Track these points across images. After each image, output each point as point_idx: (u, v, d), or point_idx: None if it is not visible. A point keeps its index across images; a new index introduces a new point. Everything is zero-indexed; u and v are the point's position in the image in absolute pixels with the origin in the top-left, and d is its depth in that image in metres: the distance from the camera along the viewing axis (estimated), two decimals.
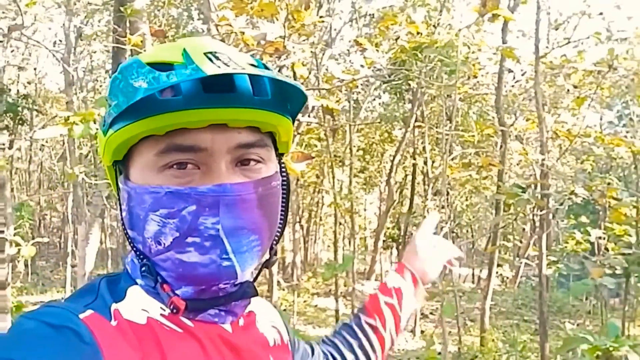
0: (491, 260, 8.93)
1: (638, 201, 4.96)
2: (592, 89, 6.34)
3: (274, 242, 0.74)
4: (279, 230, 0.74)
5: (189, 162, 0.66)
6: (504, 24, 7.23)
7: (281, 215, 0.73)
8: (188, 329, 0.69)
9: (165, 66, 0.65)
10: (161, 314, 0.68)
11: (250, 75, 0.67)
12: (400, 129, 12.36)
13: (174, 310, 0.67)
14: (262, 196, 0.68)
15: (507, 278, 14.99)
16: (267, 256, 0.76)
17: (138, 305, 0.68)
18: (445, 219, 5.42)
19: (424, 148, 11.25)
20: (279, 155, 0.76)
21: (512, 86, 8.99)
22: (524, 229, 14.46)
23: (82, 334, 0.59)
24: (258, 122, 0.68)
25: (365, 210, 19.50)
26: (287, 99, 0.71)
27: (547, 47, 7.42)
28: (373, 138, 14.21)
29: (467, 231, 17.35)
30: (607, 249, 6.23)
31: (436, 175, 11.01)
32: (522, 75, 8.53)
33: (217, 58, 0.65)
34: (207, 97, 0.64)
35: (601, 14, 8.71)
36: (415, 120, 10.79)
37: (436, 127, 10.46)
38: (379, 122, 12.71)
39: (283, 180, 0.74)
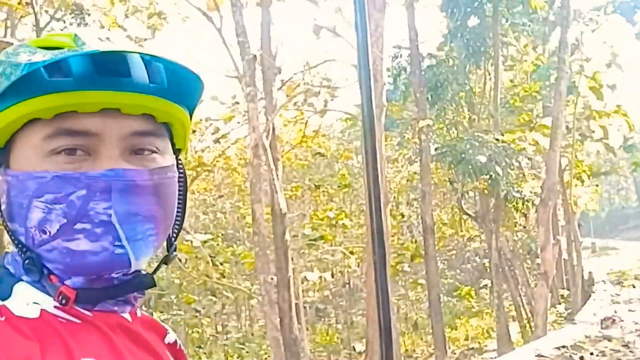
0: None
1: None
2: None
3: (173, 238, 0.72)
4: (177, 225, 0.72)
5: (78, 147, 0.62)
6: None
7: (178, 210, 0.71)
8: (87, 319, 0.65)
9: (54, 49, 0.62)
10: (55, 307, 0.64)
11: (145, 61, 0.64)
12: None
13: (63, 301, 0.62)
14: (158, 185, 0.65)
15: None
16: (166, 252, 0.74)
17: (27, 299, 0.63)
18: None
19: None
20: (177, 151, 0.73)
21: None
22: None
23: None
24: (153, 109, 0.66)
25: None
26: (184, 91, 0.69)
27: None
28: None
29: None
30: None
31: None
32: None
33: (110, 41, 0.65)
34: (99, 79, 0.61)
35: None
36: None
37: None
38: None
39: (180, 176, 0.71)
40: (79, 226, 0.62)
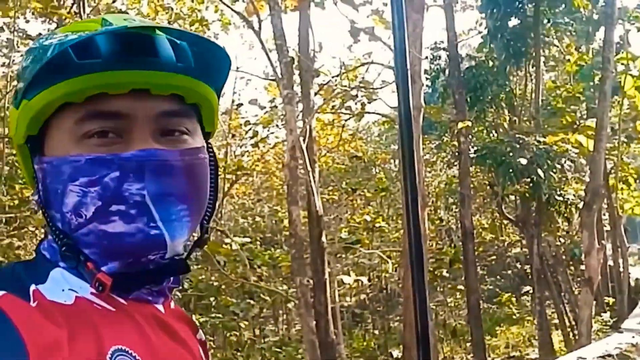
0: None
1: None
2: None
3: (205, 220, 0.71)
4: (209, 209, 0.71)
5: (110, 130, 0.63)
6: None
7: (210, 194, 0.70)
8: (121, 307, 0.65)
9: (83, 33, 0.63)
10: (92, 293, 0.64)
11: (172, 40, 0.65)
12: None
13: (100, 288, 0.62)
14: (189, 165, 0.65)
15: None
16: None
17: (63, 286, 0.63)
18: None
19: None
20: (206, 135, 0.73)
21: None
22: None
23: None
24: (182, 88, 0.66)
25: None
26: (212, 69, 0.69)
27: None
28: None
29: None
30: None
31: None
32: None
33: (136, 21, 0.65)
34: (127, 59, 0.62)
35: None
36: None
37: None
38: None
39: (210, 160, 0.71)
40: (114, 208, 0.62)
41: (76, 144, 0.62)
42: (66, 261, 0.65)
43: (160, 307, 0.70)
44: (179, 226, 0.64)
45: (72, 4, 7.56)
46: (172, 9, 9.83)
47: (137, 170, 0.61)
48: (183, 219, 0.64)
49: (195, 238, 0.73)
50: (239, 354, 11.62)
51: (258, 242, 11.81)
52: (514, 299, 15.20)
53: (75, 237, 0.64)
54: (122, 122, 0.63)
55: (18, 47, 8.41)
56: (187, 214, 0.65)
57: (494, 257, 16.72)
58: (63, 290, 0.62)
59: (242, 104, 11.92)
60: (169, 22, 9.82)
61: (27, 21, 9.10)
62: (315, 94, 8.35)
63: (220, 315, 10.27)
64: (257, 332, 13.41)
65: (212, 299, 10.28)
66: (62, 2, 7.42)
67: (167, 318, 0.69)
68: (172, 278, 0.71)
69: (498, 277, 17.48)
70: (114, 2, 9.10)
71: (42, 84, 0.62)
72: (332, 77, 9.06)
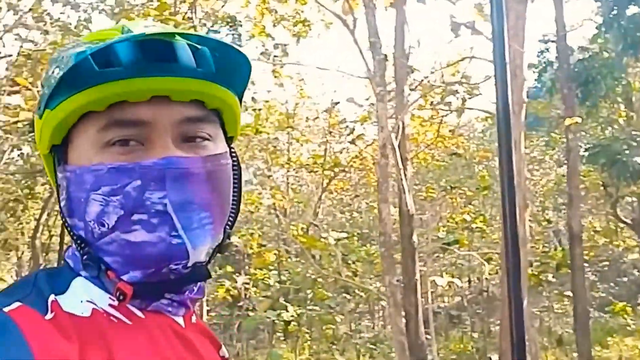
0: None
1: None
2: None
3: (228, 226, 0.71)
4: (232, 214, 0.71)
5: (131, 138, 0.63)
6: None
7: (234, 199, 0.70)
8: (138, 320, 0.64)
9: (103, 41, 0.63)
10: (110, 304, 0.64)
11: (191, 46, 0.64)
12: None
13: (121, 298, 0.62)
14: (211, 172, 0.64)
15: None
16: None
17: (82, 297, 0.63)
18: None
19: None
20: (229, 139, 0.73)
21: None
22: None
23: (5, 326, 0.55)
24: (203, 94, 0.66)
25: None
26: (232, 75, 0.68)
27: None
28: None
29: None
30: None
31: None
32: None
33: (155, 28, 0.65)
34: (147, 65, 0.62)
35: None
36: None
37: None
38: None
39: (234, 165, 0.71)
40: (135, 217, 0.62)
41: (98, 152, 0.63)
42: (87, 270, 0.65)
43: (180, 319, 0.69)
44: (202, 234, 0.64)
45: (187, 11, 8.01)
46: (277, 11, 10.07)
47: (158, 178, 0.61)
48: (205, 227, 0.64)
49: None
50: (334, 347, 11.75)
51: (355, 238, 11.84)
52: (629, 309, 14.13)
53: (98, 245, 0.64)
54: (143, 130, 0.63)
55: None
56: (210, 222, 0.65)
57: (607, 262, 15.64)
58: (81, 301, 0.63)
59: (338, 102, 12.03)
60: (273, 25, 10.09)
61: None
62: (412, 90, 8.23)
63: (317, 308, 10.43)
64: (353, 326, 13.48)
65: (308, 291, 10.45)
66: (177, 10, 7.87)
67: (187, 332, 0.68)
68: (194, 288, 0.70)
69: (612, 284, 16.35)
70: (222, 7, 9.48)
71: (64, 94, 0.62)
72: (432, 72, 8.87)
